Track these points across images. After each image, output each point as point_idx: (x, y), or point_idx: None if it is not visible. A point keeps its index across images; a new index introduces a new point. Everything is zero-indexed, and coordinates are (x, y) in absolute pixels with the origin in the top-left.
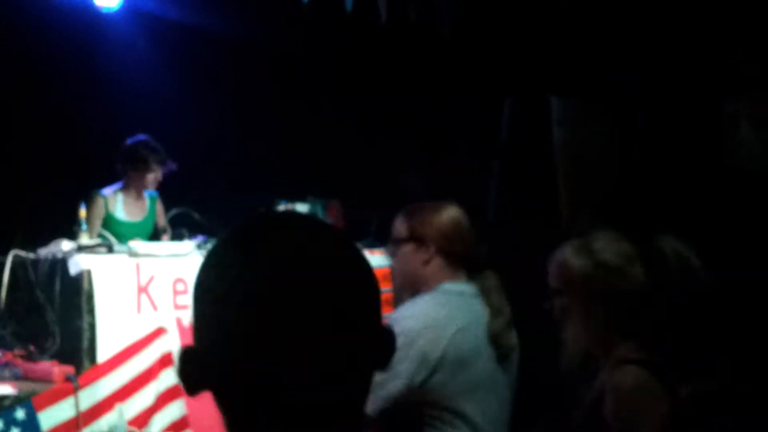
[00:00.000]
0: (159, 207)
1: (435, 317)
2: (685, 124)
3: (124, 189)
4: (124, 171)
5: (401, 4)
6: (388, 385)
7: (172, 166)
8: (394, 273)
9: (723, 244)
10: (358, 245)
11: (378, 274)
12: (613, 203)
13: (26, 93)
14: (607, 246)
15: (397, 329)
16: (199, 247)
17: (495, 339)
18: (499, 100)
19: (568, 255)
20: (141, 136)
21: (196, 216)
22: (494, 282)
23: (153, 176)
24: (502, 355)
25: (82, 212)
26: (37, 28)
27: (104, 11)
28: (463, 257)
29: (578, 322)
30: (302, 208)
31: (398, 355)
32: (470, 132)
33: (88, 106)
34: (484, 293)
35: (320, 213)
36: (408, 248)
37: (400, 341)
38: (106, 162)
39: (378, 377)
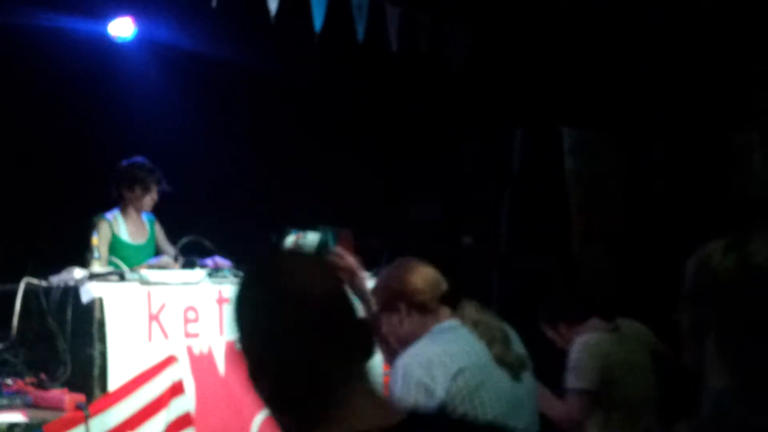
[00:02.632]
0: (159, 230)
1: (431, 354)
2: (697, 154)
3: (123, 212)
4: (120, 193)
5: (412, 35)
6: None
7: (167, 187)
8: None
9: None
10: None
11: None
12: (625, 233)
13: (41, 121)
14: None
15: (397, 371)
16: (210, 275)
17: (501, 362)
18: (511, 130)
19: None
20: (136, 158)
21: (207, 244)
22: (471, 309)
23: (149, 197)
24: (515, 373)
25: (95, 240)
26: (53, 58)
27: (118, 41)
28: (436, 299)
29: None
30: (313, 236)
31: (401, 392)
32: (482, 162)
33: (102, 135)
34: (469, 324)
35: (331, 242)
36: (385, 319)
37: (399, 382)
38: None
39: None
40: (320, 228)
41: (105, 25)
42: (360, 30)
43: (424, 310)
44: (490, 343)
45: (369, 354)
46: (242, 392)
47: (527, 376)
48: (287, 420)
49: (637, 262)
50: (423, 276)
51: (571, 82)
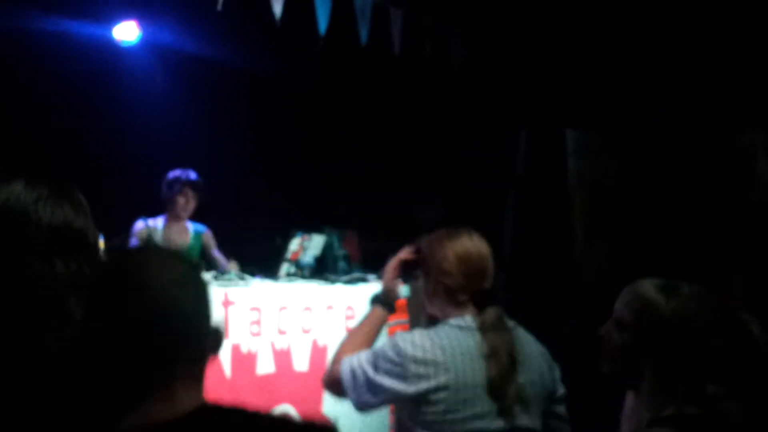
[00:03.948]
0: (209, 241)
1: (431, 353)
2: (701, 155)
3: (167, 219)
4: (165, 199)
5: (415, 37)
6: (365, 365)
7: (201, 195)
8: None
9: (740, 276)
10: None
11: None
12: (628, 234)
13: (47, 124)
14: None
15: (391, 345)
16: (215, 278)
17: (493, 390)
18: (515, 132)
19: (651, 290)
20: (182, 169)
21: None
22: (492, 319)
23: (183, 200)
24: (507, 408)
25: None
26: (59, 62)
27: (123, 45)
28: (468, 292)
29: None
30: (319, 238)
31: (389, 358)
32: (486, 163)
33: (107, 138)
34: (483, 332)
35: (336, 243)
36: (421, 278)
37: (392, 350)
38: (124, 193)
39: (364, 355)
40: (326, 230)
41: (110, 29)
42: (363, 33)
43: (450, 297)
44: (491, 364)
45: (199, 358)
46: (249, 394)
47: (533, 418)
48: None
49: (640, 264)
50: (467, 260)
51: (573, 84)
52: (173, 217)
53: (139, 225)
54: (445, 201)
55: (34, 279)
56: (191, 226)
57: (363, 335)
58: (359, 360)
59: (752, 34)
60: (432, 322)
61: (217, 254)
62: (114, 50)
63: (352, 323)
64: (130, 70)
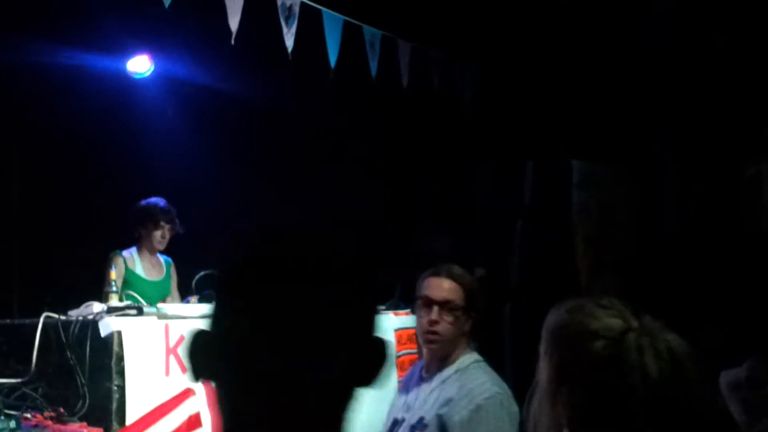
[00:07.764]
0: (174, 274)
1: (508, 397)
2: (706, 185)
3: (139, 249)
4: (136, 231)
5: (424, 70)
6: None
7: (180, 229)
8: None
9: (745, 308)
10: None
11: (403, 335)
12: (634, 266)
13: (60, 156)
14: None
15: (480, 395)
16: None
17: None
18: (522, 162)
19: None
20: (153, 198)
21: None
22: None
23: (159, 233)
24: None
25: (113, 274)
26: (73, 94)
27: (136, 77)
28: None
29: None
30: None
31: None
32: (495, 194)
33: (119, 170)
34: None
35: None
36: (460, 314)
37: (487, 405)
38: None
39: None
40: None
41: (123, 62)
42: (373, 67)
43: (477, 328)
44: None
45: None
46: None
47: None
48: None
49: (647, 294)
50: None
51: (581, 115)
52: (149, 247)
53: (116, 257)
54: (454, 232)
55: None
56: (161, 258)
57: None
58: None
59: (762, 69)
60: (448, 355)
61: (176, 289)
62: (127, 83)
63: None
64: (142, 102)
